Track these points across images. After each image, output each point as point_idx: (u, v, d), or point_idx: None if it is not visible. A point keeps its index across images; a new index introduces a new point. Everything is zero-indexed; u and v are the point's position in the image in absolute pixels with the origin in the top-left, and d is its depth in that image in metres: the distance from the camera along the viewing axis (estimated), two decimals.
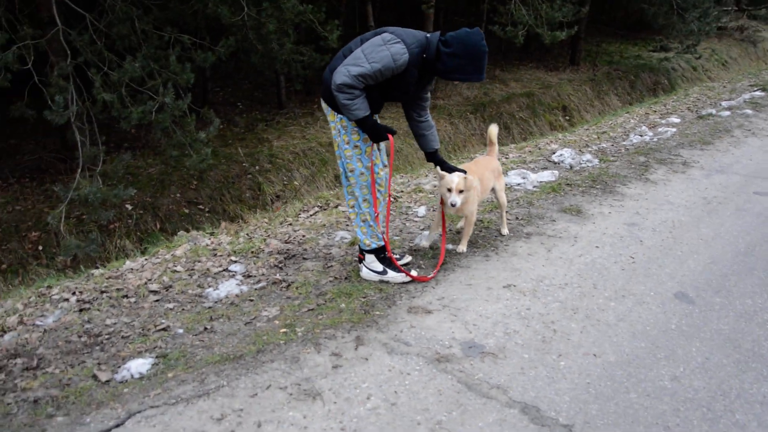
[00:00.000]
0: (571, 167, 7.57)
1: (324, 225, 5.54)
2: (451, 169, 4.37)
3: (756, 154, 8.75)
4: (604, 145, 8.86)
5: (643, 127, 10.12)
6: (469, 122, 14.64)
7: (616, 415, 3.17)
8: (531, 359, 3.61)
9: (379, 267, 4.35)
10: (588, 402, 3.26)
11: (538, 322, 4.00)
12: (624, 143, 9.09)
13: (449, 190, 4.35)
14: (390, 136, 4.02)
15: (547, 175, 7.05)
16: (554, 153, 8.06)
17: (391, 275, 4.34)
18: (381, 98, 4.02)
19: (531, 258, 4.91)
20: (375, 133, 3.97)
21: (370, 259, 4.37)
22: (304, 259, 4.83)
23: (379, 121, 4.19)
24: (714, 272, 4.86)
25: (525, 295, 4.32)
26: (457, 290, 4.33)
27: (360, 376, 3.38)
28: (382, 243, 4.33)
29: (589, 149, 8.53)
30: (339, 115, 4.00)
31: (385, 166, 4.30)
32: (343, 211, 5.91)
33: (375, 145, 4.12)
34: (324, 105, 4.09)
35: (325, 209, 6.11)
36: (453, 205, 4.32)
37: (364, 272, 4.41)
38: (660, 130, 10.01)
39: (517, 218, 5.76)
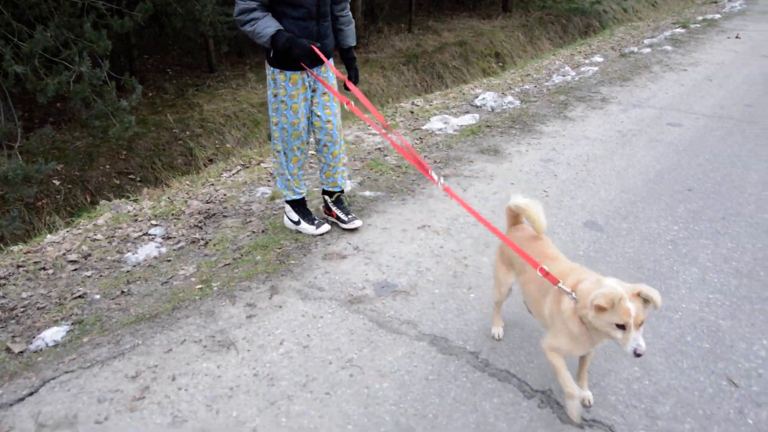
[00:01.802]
0: (493, 110, 7.64)
1: (245, 182, 5.51)
2: (355, 77, 4.17)
3: (672, 87, 8.98)
4: (527, 87, 8.97)
5: (567, 68, 10.26)
6: (402, 74, 14.58)
7: (521, 339, 3.29)
8: (442, 294, 3.70)
9: (295, 217, 4.38)
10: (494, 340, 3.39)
11: (451, 258, 4.09)
12: (546, 84, 9.21)
13: (621, 326, 2.32)
14: (314, 47, 3.85)
15: (468, 119, 7.10)
16: (477, 97, 8.13)
17: (304, 226, 4.36)
18: (297, 18, 3.84)
19: (447, 198, 4.97)
20: (294, 46, 3.78)
21: (288, 207, 4.40)
22: (224, 217, 4.81)
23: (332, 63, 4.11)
24: (623, 200, 5.03)
25: (439, 235, 4.40)
26: (373, 235, 4.39)
27: (274, 323, 3.42)
28: (299, 196, 4.34)
29: (512, 91, 8.62)
30: (271, 68, 3.96)
31: (336, 116, 4.23)
32: (265, 168, 5.88)
33: (324, 96, 4.12)
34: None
35: (247, 167, 6.07)
36: (639, 355, 2.29)
37: (285, 219, 4.48)
38: (583, 69, 10.16)
39: (435, 162, 5.81)
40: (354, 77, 4.17)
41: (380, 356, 3.17)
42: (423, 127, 6.93)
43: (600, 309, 2.30)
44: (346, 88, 4.11)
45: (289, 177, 4.26)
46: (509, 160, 5.85)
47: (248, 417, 2.79)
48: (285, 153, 4.17)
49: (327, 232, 4.40)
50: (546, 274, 2.64)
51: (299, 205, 4.40)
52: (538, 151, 6.14)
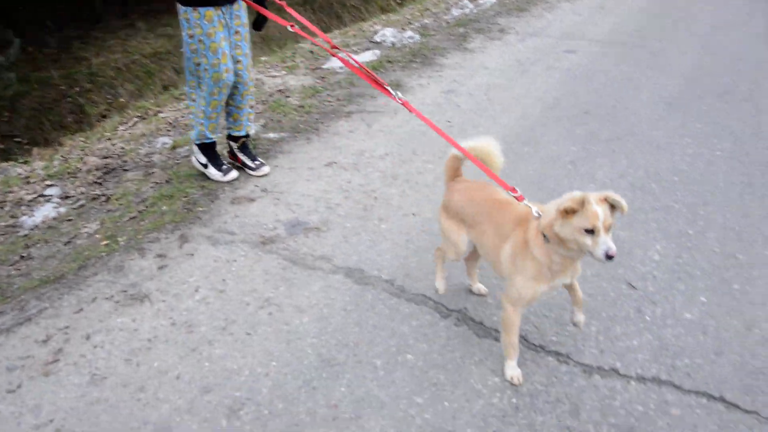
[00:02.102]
0: (393, 45, 7.61)
1: (144, 134, 5.31)
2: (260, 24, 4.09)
3: (567, 16, 9.23)
4: (427, 21, 8.98)
5: (465, 1, 10.32)
6: (300, 15, 14.21)
7: (433, 264, 3.40)
8: (353, 227, 3.76)
9: (203, 159, 4.28)
10: (408, 257, 3.48)
11: (359, 192, 4.14)
12: (446, 17, 9.25)
13: (590, 230, 2.32)
14: None
15: (369, 56, 7.06)
16: (376, 34, 8.08)
17: (211, 171, 4.28)
18: None
19: (352, 135, 5.00)
20: None
21: (196, 149, 4.29)
22: (125, 170, 4.64)
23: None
24: (524, 126, 5.20)
25: (346, 170, 4.43)
26: (280, 175, 4.36)
27: (186, 271, 3.38)
28: (210, 140, 4.23)
29: (412, 26, 8.61)
30: (183, 7, 3.75)
31: (246, 55, 4.10)
32: (164, 118, 5.68)
33: (236, 35, 3.98)
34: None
35: (145, 119, 5.84)
36: (611, 257, 2.31)
37: (192, 160, 4.37)
38: (481, 1, 10.26)
39: (338, 99, 5.79)
40: (262, 19, 4.08)
41: (297, 293, 3.21)
42: (324, 67, 6.85)
43: (568, 212, 2.32)
44: (255, 29, 4.03)
45: (203, 120, 4.09)
46: (412, 94, 5.89)
47: (170, 366, 2.79)
48: (203, 96, 4.01)
49: (235, 179, 4.33)
50: (512, 189, 2.65)
51: (209, 149, 4.29)
52: (439, 83, 6.20)
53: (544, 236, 2.44)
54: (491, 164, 2.83)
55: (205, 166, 4.28)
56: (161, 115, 5.81)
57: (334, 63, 6.85)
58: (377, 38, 7.88)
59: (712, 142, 4.99)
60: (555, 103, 5.74)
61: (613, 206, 2.34)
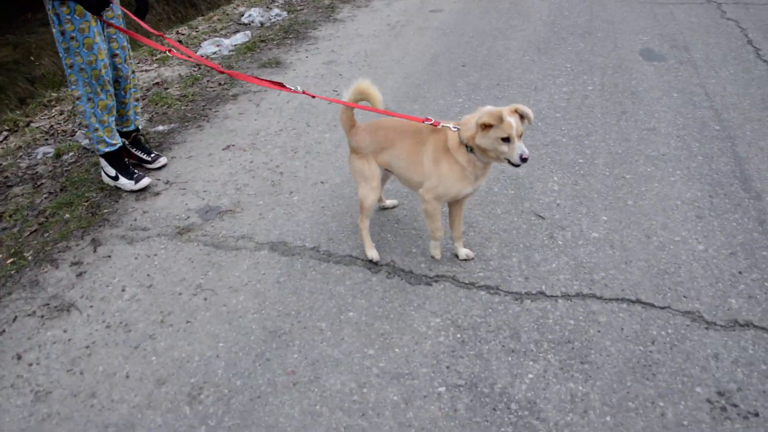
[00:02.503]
0: (263, 25, 7.57)
1: (20, 147, 5.04)
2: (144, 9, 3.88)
3: None
4: None
5: None
6: (153, 8, 13.72)
7: (353, 225, 3.54)
8: (266, 204, 3.82)
9: (112, 171, 4.09)
10: (326, 223, 3.59)
11: (264, 170, 4.19)
12: None
13: (506, 139, 2.68)
14: None
15: (241, 38, 6.99)
16: (243, 15, 7.99)
17: (122, 182, 4.06)
18: None
19: (243, 116, 5.02)
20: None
21: (103, 162, 4.10)
22: (9, 186, 4.40)
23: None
24: (409, 85, 5.39)
25: (245, 151, 4.46)
26: (180, 166, 4.32)
27: (108, 274, 3.32)
28: (113, 148, 4.05)
29: (276, 3, 8.58)
30: (51, 2, 3.54)
31: (123, 48, 3.94)
32: (38, 127, 5.40)
33: (106, 30, 3.78)
34: None
35: (16, 131, 5.53)
36: (525, 159, 2.69)
37: (102, 176, 4.16)
38: None
39: (220, 84, 5.74)
40: (143, 10, 3.93)
41: (227, 274, 3.24)
42: (196, 54, 6.73)
43: (486, 126, 2.66)
44: (139, 17, 3.86)
45: (98, 126, 3.91)
46: (293, 69, 5.94)
47: (116, 367, 2.76)
48: (90, 98, 3.82)
49: (148, 186, 4.13)
50: (428, 119, 2.97)
51: (116, 159, 4.08)
52: (317, 56, 6.27)
53: (467, 147, 2.80)
54: (374, 101, 3.13)
55: (116, 178, 4.07)
56: (34, 125, 5.52)
57: (206, 49, 6.74)
58: (245, 19, 7.79)
59: (583, 78, 5.40)
60: (433, 60, 5.98)
61: (522, 116, 2.70)
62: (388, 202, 3.73)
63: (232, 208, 3.79)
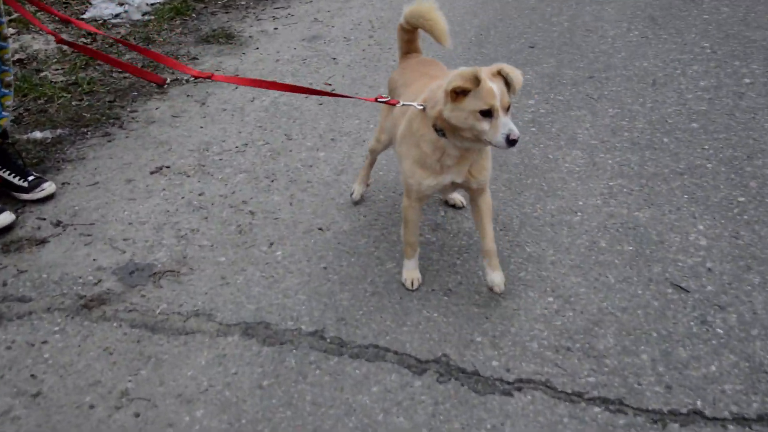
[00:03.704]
0: None
1: None
2: None
3: None
4: None
5: None
6: None
7: (375, 295, 3.62)
8: (231, 261, 3.89)
9: None
10: (333, 293, 3.60)
11: (223, 207, 4.31)
12: None
13: (486, 112, 2.91)
14: None
15: None
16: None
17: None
18: None
19: (180, 120, 5.16)
20: None
21: None
22: None
23: None
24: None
25: (189, 176, 4.59)
26: (78, 197, 4.41)
27: None
28: None
29: None
30: None
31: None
32: None
33: None
34: None
35: None
36: (513, 142, 2.90)
37: None
38: None
39: (133, 63, 5.85)
40: None
41: (173, 374, 3.28)
42: (85, 16, 6.92)
43: (458, 94, 2.89)
44: None
45: None
46: (255, 48, 6.09)
47: None
48: None
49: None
50: (381, 97, 3.43)
51: None
52: (293, 27, 6.43)
53: (436, 129, 3.08)
54: (434, 31, 3.61)
55: None
56: None
57: (101, 9, 6.92)
58: None
59: (734, 66, 5.59)
60: (481, 38, 6.16)
61: (507, 82, 2.93)
62: (456, 198, 4.25)
63: (175, 267, 3.88)
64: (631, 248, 3.93)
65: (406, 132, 3.30)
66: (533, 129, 4.94)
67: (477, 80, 2.82)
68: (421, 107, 3.16)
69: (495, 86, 2.85)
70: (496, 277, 3.51)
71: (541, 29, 6.30)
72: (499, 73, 2.90)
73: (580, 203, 4.24)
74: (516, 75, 2.91)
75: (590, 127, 4.95)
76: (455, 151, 3.11)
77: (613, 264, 3.82)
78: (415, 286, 3.64)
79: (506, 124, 2.85)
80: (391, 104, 3.48)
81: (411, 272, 3.63)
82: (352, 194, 4.23)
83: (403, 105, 3.35)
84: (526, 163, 4.62)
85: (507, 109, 2.89)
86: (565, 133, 4.90)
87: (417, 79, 3.54)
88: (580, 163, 4.59)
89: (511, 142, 2.86)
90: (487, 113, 2.85)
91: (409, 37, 3.81)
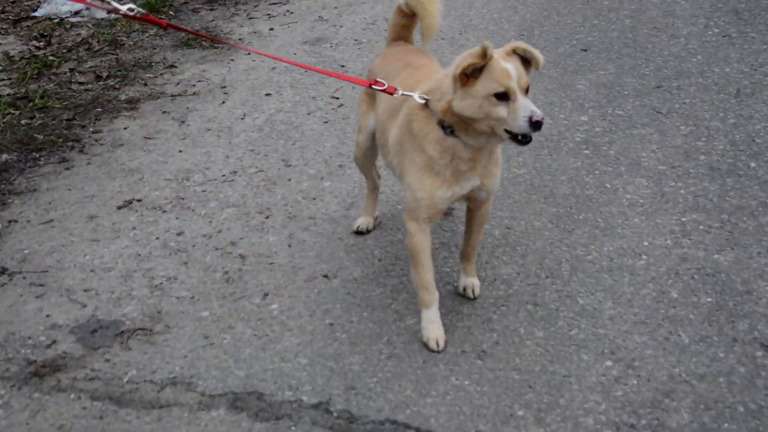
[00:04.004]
0: None
1: None
2: None
3: None
4: None
5: None
6: None
7: (392, 357, 3.61)
8: (216, 317, 3.88)
9: None
10: (342, 355, 3.59)
11: (207, 250, 4.31)
12: None
13: (502, 95, 3.03)
14: None
15: None
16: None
17: None
18: None
19: (155, 142, 5.18)
20: None
21: None
22: None
23: None
24: None
25: (166, 211, 4.60)
26: (29, 238, 4.42)
27: None
28: None
29: None
30: None
31: None
32: None
33: None
34: None
35: None
36: (538, 125, 2.98)
37: None
38: None
39: (99, 77, 5.91)
40: None
41: None
42: (36, 14, 6.96)
43: (468, 77, 3.03)
44: None
45: None
46: (245, 54, 6.15)
47: None
48: None
49: None
50: (376, 82, 3.50)
51: None
52: (292, 28, 6.46)
53: (443, 127, 3.20)
54: (425, 19, 3.82)
55: None
56: None
57: (56, 6, 6.95)
58: None
59: None
60: (523, 40, 6.15)
61: (525, 59, 3.09)
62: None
63: (148, 325, 3.87)
64: (710, 300, 3.90)
65: (404, 135, 3.38)
66: (586, 151, 4.93)
67: (485, 54, 2.95)
68: (423, 101, 3.25)
69: (510, 66, 2.98)
70: (472, 281, 3.83)
71: (597, 28, 6.32)
72: (514, 52, 3.05)
73: (646, 244, 4.23)
74: (533, 52, 3.05)
75: (657, 148, 4.94)
76: (467, 152, 3.20)
77: (687, 320, 3.79)
78: (440, 347, 3.61)
79: (527, 106, 2.96)
80: (388, 92, 3.47)
81: (434, 328, 3.61)
82: (356, 228, 4.33)
83: (403, 94, 3.40)
84: (578, 194, 4.60)
85: (526, 91, 3.01)
86: (626, 156, 4.89)
87: (401, 69, 3.67)
88: (645, 193, 4.57)
89: (535, 124, 2.95)
90: (503, 96, 2.97)
91: (406, 22, 3.96)
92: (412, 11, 3.82)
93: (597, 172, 4.80)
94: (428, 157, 3.22)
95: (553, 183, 4.71)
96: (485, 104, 2.96)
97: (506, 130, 2.98)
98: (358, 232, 4.33)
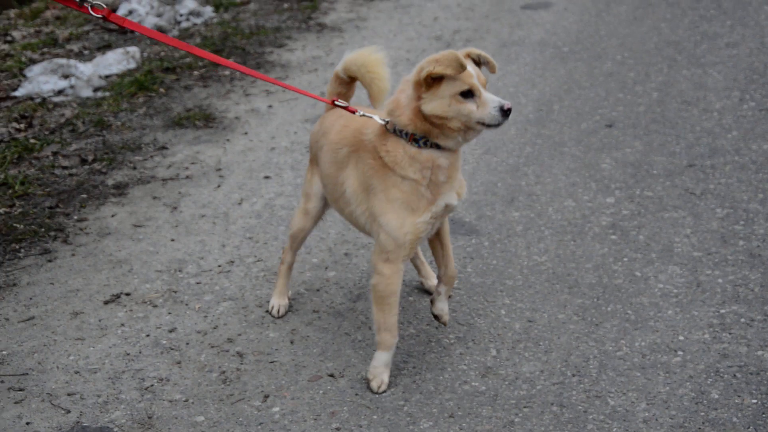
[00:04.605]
0: (163, 30, 7.86)
1: None
2: None
3: None
4: None
5: None
6: None
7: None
8: (214, 420, 3.80)
9: None
10: None
11: (202, 348, 4.27)
12: None
13: (467, 93, 3.40)
14: None
15: (117, 59, 7.28)
16: (116, 10, 8.25)
17: None
18: None
19: (145, 231, 5.18)
20: None
21: None
22: None
23: None
24: (494, 171, 5.58)
25: (157, 305, 4.57)
26: (7, 337, 4.41)
27: None
28: None
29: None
30: None
31: None
32: None
33: None
34: None
35: None
36: (508, 112, 3.34)
37: None
38: None
39: (85, 160, 5.94)
40: None
41: None
42: (17, 94, 6.99)
43: (434, 81, 3.36)
44: None
45: None
46: (243, 133, 6.16)
47: None
48: None
49: None
50: (337, 99, 3.93)
51: None
52: (293, 104, 6.51)
53: (416, 141, 3.49)
54: (373, 85, 4.04)
55: None
56: None
57: (38, 84, 7.00)
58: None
59: None
60: (542, 116, 6.18)
61: (478, 62, 3.53)
62: (428, 282, 4.54)
63: (138, 431, 3.85)
64: (755, 401, 3.86)
65: (371, 177, 3.65)
66: (613, 237, 4.91)
67: (462, 66, 3.28)
68: (384, 122, 3.58)
69: (469, 66, 3.37)
70: (446, 306, 4.05)
71: (622, 102, 6.33)
72: (468, 56, 3.45)
73: (681, 338, 4.19)
74: (486, 55, 3.50)
75: (691, 233, 4.92)
76: (446, 159, 3.52)
77: (730, 423, 3.75)
78: (382, 390, 3.88)
79: (494, 98, 3.35)
80: (350, 111, 3.87)
81: (385, 372, 3.89)
82: (270, 310, 4.48)
83: (363, 115, 3.80)
84: (605, 284, 4.57)
85: (484, 86, 3.41)
86: (656, 242, 4.87)
87: (335, 121, 4.02)
88: (679, 282, 4.54)
89: (506, 112, 3.33)
90: (468, 94, 3.34)
91: (343, 90, 4.18)
92: (352, 77, 4.07)
93: (626, 259, 4.77)
94: (408, 185, 3.52)
95: (578, 271, 4.67)
96: (453, 103, 3.32)
97: (478, 121, 3.35)
98: (277, 316, 4.49)
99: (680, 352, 4.06)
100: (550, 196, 5.29)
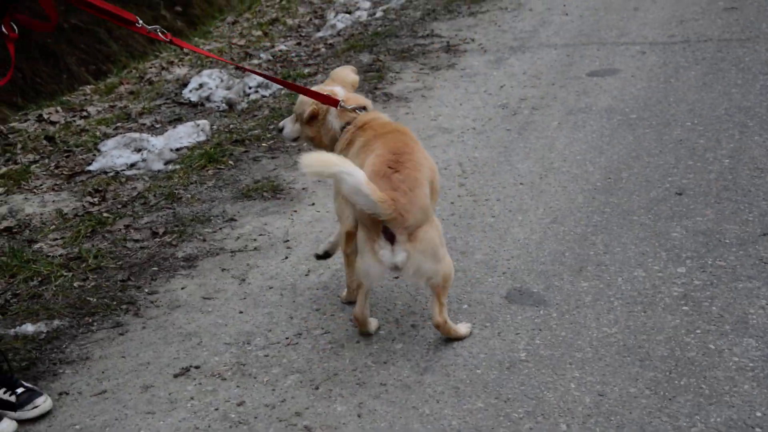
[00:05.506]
0: (231, 106, 7.89)
1: None
2: None
3: (571, 6, 9.97)
4: (286, 47, 9.39)
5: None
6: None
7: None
8: None
9: None
10: None
11: (270, 420, 4.22)
12: (322, 34, 9.74)
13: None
14: None
15: (188, 132, 7.41)
16: (187, 84, 8.30)
17: None
18: None
19: (214, 303, 5.20)
20: None
21: None
22: None
23: None
24: (560, 240, 5.51)
25: (226, 378, 4.56)
26: (80, 411, 4.39)
27: None
28: None
29: (257, 61, 8.98)
30: None
31: None
32: None
33: None
34: None
35: None
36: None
37: None
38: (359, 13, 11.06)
39: (156, 233, 5.99)
40: None
41: None
42: (92, 167, 7.03)
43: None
44: None
45: None
46: (310, 204, 6.15)
47: None
48: None
49: None
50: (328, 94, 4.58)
51: None
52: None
53: None
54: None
55: None
56: None
57: (116, 159, 7.06)
58: (190, 94, 8.15)
59: None
60: (610, 184, 6.14)
61: None
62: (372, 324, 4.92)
63: None
64: None
65: None
66: (685, 308, 4.82)
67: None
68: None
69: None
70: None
71: (692, 169, 6.25)
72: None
73: (759, 414, 4.08)
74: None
75: (767, 304, 4.81)
76: None
77: None
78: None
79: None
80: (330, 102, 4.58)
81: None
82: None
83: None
84: (678, 357, 4.47)
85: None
86: (730, 313, 4.77)
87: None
88: (755, 356, 4.44)
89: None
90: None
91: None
92: None
93: (698, 331, 4.67)
94: None
95: (649, 344, 4.58)
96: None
97: None
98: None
99: (758, 429, 3.95)
100: (619, 265, 5.22)
